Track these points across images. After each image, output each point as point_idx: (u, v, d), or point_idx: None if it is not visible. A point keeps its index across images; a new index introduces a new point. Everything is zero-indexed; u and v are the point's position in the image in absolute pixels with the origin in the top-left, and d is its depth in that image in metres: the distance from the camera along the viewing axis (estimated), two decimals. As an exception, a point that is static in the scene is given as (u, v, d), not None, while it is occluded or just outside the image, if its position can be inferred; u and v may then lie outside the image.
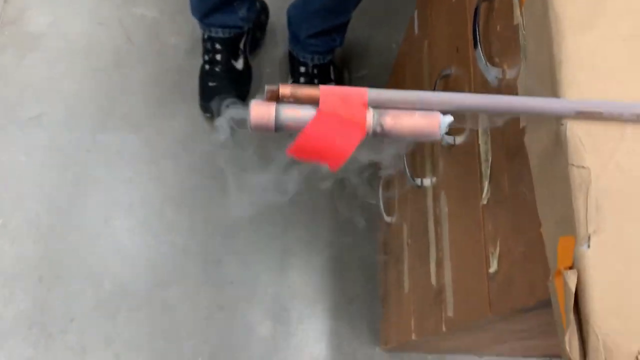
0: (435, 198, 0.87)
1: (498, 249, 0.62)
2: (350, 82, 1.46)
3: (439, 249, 0.84)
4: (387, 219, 1.15)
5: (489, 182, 0.65)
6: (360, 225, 1.36)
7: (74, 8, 1.51)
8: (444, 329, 0.79)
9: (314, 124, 0.36)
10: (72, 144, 1.38)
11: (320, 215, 1.38)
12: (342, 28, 1.31)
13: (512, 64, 0.59)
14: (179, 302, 1.29)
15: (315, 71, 1.38)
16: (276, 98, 0.36)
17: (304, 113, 0.37)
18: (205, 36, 1.37)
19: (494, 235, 0.63)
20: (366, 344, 1.30)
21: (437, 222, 0.85)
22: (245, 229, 1.35)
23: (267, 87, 0.36)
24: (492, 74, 0.63)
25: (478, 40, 0.63)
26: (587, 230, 0.38)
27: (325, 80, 1.39)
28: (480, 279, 0.66)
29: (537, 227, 0.50)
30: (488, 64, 0.63)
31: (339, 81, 1.42)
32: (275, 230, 1.36)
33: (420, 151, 0.99)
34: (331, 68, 1.41)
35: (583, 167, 0.39)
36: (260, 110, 0.37)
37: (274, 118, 0.37)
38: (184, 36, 1.49)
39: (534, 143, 0.47)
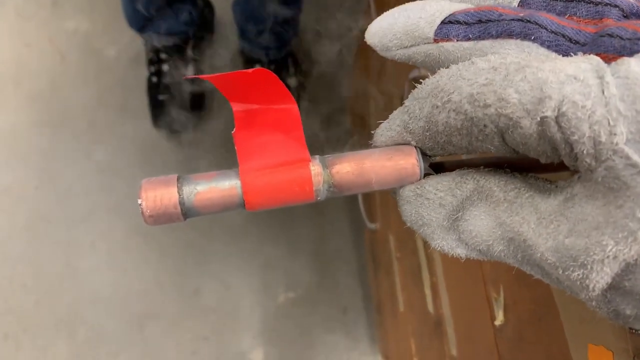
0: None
1: (502, 298, 0.53)
2: (313, 73, 1.33)
3: (432, 273, 0.75)
4: (371, 226, 1.05)
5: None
6: (343, 231, 1.26)
7: (-6, 32, 1.36)
8: (448, 366, 0.70)
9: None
10: (17, 183, 1.25)
11: (298, 223, 1.27)
12: (294, 18, 1.18)
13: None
14: (161, 339, 1.19)
15: (273, 67, 1.25)
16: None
17: (222, 182, 0.25)
18: (148, 46, 1.23)
19: (495, 279, 0.54)
20: (367, 354, 1.21)
21: (427, 243, 0.75)
22: (220, 248, 1.25)
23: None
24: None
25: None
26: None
27: (284, 75, 1.27)
28: (484, 327, 0.57)
29: (547, 289, 0.40)
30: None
31: (299, 73, 1.30)
32: (252, 246, 1.25)
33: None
34: (289, 61, 1.28)
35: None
36: (155, 196, 0.24)
37: (179, 201, 0.24)
38: (123, 45, 1.34)
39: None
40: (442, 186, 0.21)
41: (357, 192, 0.25)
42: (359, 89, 1.11)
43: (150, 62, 1.25)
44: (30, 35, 1.34)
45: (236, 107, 0.25)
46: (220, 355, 1.19)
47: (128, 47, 1.34)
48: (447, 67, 0.20)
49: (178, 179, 0.24)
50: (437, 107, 0.19)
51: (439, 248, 0.21)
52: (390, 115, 0.22)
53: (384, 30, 0.23)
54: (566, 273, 0.17)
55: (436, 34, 0.21)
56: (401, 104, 0.22)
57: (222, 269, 1.23)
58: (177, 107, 1.24)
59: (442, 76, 0.19)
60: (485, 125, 0.18)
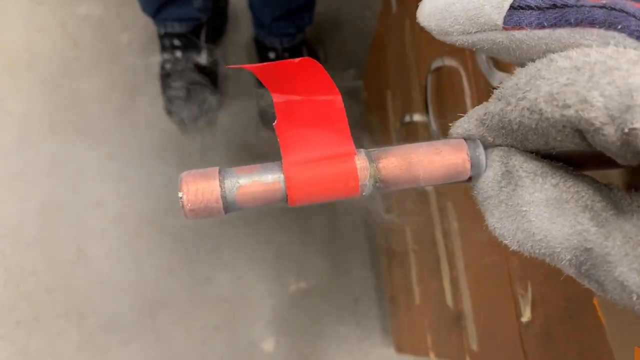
0: (441, 207, 0.75)
1: (530, 294, 0.51)
2: (326, 61, 1.32)
3: (452, 267, 0.74)
4: (386, 216, 1.04)
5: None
6: (357, 221, 1.25)
7: (6, 18, 1.34)
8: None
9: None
10: (30, 169, 1.25)
11: (311, 212, 1.26)
12: (310, 5, 1.16)
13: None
14: (172, 328, 1.19)
15: (287, 55, 1.24)
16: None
17: (265, 176, 0.24)
18: (161, 33, 1.22)
19: (522, 276, 0.53)
20: (378, 345, 1.21)
21: (447, 237, 0.74)
22: (232, 237, 1.24)
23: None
24: (497, 78, 0.50)
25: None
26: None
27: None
28: (509, 323, 0.56)
29: (581, 287, 0.39)
30: (492, 65, 0.51)
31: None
32: (265, 236, 1.25)
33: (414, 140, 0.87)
34: (303, 49, 1.27)
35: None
36: (197, 189, 0.24)
37: (221, 195, 0.23)
38: (136, 31, 1.33)
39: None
40: (528, 166, 0.19)
41: (403, 187, 0.24)
42: (375, 80, 1.09)
43: (164, 49, 1.24)
44: (42, 21, 1.33)
45: (277, 98, 0.24)
46: (231, 344, 1.18)
47: (141, 33, 1.33)
48: (517, 56, 0.18)
49: (219, 171, 0.23)
50: (510, 103, 0.18)
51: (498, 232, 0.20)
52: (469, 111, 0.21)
53: (441, 12, 0.21)
54: None
55: (506, 21, 0.19)
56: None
57: (234, 258, 1.23)
58: (190, 94, 1.23)
59: (521, 78, 0.18)
60: (564, 126, 0.16)
